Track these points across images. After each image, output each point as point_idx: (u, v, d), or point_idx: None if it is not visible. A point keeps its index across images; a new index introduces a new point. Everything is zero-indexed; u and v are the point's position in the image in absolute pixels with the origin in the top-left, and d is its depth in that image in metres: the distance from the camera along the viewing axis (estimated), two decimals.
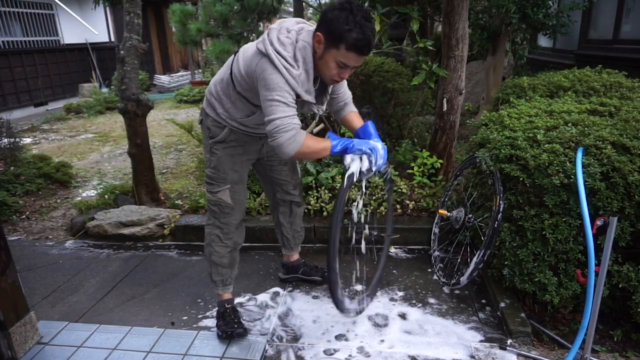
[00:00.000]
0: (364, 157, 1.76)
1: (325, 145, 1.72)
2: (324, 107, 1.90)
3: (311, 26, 1.74)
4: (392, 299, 2.36)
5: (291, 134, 1.61)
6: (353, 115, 2.01)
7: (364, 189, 1.78)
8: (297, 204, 2.31)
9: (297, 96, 1.68)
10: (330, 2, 1.68)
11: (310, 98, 1.71)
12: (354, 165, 1.77)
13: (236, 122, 1.86)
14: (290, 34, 1.67)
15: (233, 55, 1.84)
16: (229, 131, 1.89)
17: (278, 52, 1.62)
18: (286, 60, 1.62)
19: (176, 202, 3.48)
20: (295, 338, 2.08)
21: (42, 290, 2.55)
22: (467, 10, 2.94)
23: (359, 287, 2.46)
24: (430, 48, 3.14)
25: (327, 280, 1.88)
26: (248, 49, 1.75)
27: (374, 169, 1.77)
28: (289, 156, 1.66)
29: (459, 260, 2.62)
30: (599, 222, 1.66)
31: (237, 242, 2.10)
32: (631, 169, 1.81)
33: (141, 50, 3.18)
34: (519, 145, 2.05)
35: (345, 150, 1.75)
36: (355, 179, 1.77)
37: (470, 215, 2.42)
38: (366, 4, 3.68)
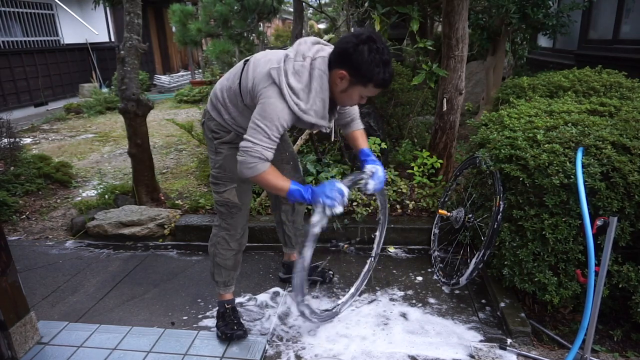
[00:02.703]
0: (326, 207, 1.72)
1: (283, 187, 1.72)
2: (332, 123, 1.93)
3: (326, 47, 1.74)
4: (392, 299, 2.36)
5: (254, 161, 1.65)
6: (358, 134, 2.07)
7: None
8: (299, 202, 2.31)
9: (300, 121, 1.70)
10: (349, 35, 1.67)
11: (324, 123, 1.74)
12: (317, 217, 1.76)
13: (242, 129, 1.86)
14: (305, 61, 1.66)
15: (242, 64, 1.83)
16: (235, 135, 1.89)
17: (290, 86, 1.63)
18: (297, 96, 1.64)
19: (176, 202, 3.48)
20: (296, 338, 2.08)
21: (42, 290, 2.55)
22: (467, 10, 2.94)
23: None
24: (430, 48, 3.15)
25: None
26: (259, 65, 1.72)
27: (338, 210, 1.74)
28: (244, 176, 1.73)
29: (458, 260, 2.62)
30: (599, 222, 1.66)
31: (242, 243, 2.10)
32: (631, 169, 1.81)
33: (141, 50, 3.18)
34: (519, 145, 2.05)
35: (303, 199, 1.72)
36: (318, 232, 1.78)
37: (470, 216, 2.42)
38: (366, 4, 3.68)
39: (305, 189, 1.73)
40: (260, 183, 1.75)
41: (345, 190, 1.74)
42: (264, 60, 1.73)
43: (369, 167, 1.95)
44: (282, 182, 1.72)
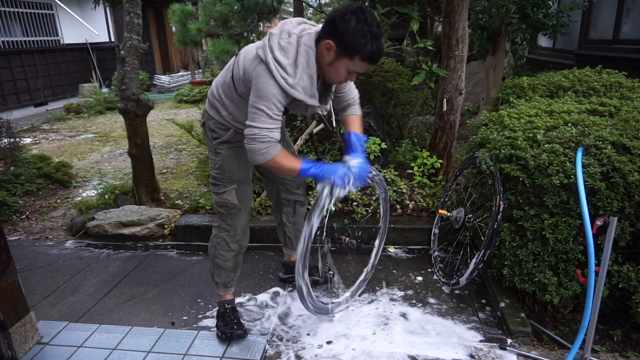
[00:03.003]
0: (334, 185, 1.74)
1: (295, 166, 1.72)
2: (328, 106, 1.90)
3: (313, 26, 1.72)
4: (392, 299, 2.36)
5: (265, 145, 1.64)
6: (351, 118, 2.01)
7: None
8: (300, 204, 2.31)
9: (296, 101, 1.68)
10: (339, 7, 1.66)
11: (314, 102, 1.71)
12: (324, 195, 1.77)
13: (241, 124, 1.85)
14: (291, 38, 1.65)
15: (234, 58, 1.83)
16: (234, 132, 1.89)
17: (277, 61, 1.61)
18: (284, 70, 1.62)
19: (176, 202, 3.48)
20: (296, 338, 2.08)
21: (42, 290, 2.55)
22: (467, 10, 2.94)
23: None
24: (430, 48, 3.14)
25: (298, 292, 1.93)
26: (249, 52, 1.73)
27: (342, 193, 1.76)
28: (256, 163, 1.73)
29: (458, 260, 2.62)
30: (599, 222, 1.66)
31: (243, 245, 2.09)
32: (631, 169, 1.81)
33: (141, 50, 3.18)
34: (519, 145, 2.05)
35: (314, 176, 1.75)
36: (324, 212, 1.78)
37: (470, 216, 2.42)
38: (366, 4, 3.68)
39: (316, 165, 1.73)
40: (273, 167, 1.74)
41: (352, 179, 1.75)
42: (252, 47, 1.74)
43: (346, 159, 1.87)
44: (294, 163, 1.72)
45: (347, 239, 2.06)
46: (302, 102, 1.68)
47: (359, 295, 2.38)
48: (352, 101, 2.01)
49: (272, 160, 1.68)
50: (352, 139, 1.91)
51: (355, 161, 1.82)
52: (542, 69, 4.32)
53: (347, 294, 2.30)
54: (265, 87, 1.61)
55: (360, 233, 2.86)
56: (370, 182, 2.06)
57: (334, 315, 2.19)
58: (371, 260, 2.42)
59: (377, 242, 2.42)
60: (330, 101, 1.92)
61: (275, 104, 1.63)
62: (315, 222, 1.77)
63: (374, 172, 2.05)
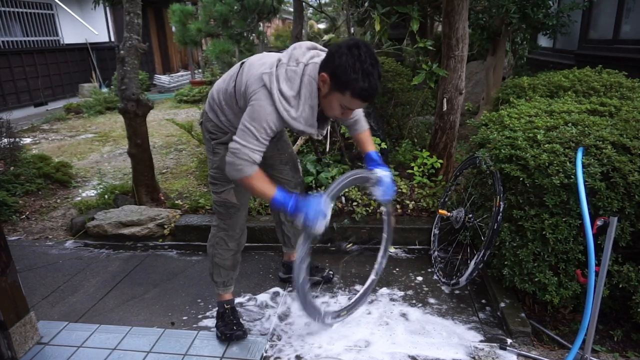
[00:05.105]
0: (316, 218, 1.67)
1: (267, 192, 1.68)
2: (324, 131, 1.91)
3: (321, 53, 1.71)
4: (392, 299, 2.36)
5: (241, 162, 1.63)
6: (363, 137, 2.03)
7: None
8: None
9: (289, 126, 1.68)
10: (338, 43, 1.66)
11: (312, 130, 1.72)
12: (301, 239, 1.75)
13: None
14: (298, 67, 1.65)
15: (239, 66, 1.83)
16: (231, 136, 1.89)
17: (281, 92, 1.62)
18: (288, 102, 1.62)
19: (176, 202, 3.48)
20: (296, 338, 2.08)
21: (42, 290, 2.55)
22: (467, 10, 2.94)
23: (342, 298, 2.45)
24: (430, 48, 3.15)
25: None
26: (253, 68, 1.71)
27: (319, 228, 1.69)
28: (230, 177, 1.71)
29: (458, 260, 2.62)
30: (599, 222, 1.66)
31: (241, 243, 2.10)
32: (631, 169, 1.81)
33: (141, 50, 3.18)
34: (519, 145, 2.05)
35: (285, 210, 1.68)
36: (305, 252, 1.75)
37: (470, 216, 2.42)
38: (366, 4, 3.69)
39: (288, 200, 1.67)
40: (246, 186, 1.72)
41: (328, 213, 1.69)
42: (258, 63, 1.72)
43: (377, 171, 1.91)
44: (268, 189, 1.68)
45: (349, 245, 2.02)
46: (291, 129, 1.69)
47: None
48: (359, 116, 2.02)
49: (245, 178, 1.66)
50: (373, 157, 1.97)
51: (385, 174, 1.89)
52: (542, 69, 4.31)
53: (348, 305, 2.19)
54: (262, 112, 1.62)
55: (354, 238, 2.84)
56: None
57: (321, 323, 2.08)
58: (366, 286, 2.30)
59: (376, 266, 2.32)
60: (328, 126, 1.94)
61: (266, 129, 1.63)
62: (300, 267, 1.74)
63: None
